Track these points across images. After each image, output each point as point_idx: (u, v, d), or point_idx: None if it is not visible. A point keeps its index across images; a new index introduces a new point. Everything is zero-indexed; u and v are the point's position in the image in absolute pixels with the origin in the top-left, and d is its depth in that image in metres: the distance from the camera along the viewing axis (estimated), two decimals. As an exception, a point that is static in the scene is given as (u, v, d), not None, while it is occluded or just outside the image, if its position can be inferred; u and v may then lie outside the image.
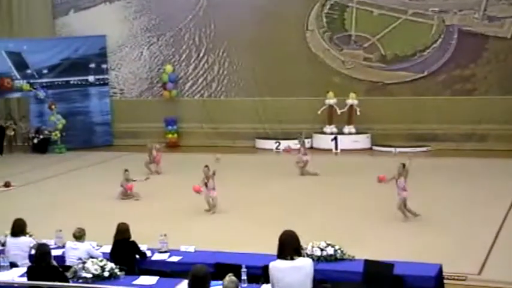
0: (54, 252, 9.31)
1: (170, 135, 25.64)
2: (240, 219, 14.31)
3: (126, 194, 16.60)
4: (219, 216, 14.66)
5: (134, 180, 16.76)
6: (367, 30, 24.05)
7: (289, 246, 6.49)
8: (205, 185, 14.94)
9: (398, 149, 22.72)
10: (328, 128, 23.91)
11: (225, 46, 25.50)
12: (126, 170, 16.89)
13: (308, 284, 6.53)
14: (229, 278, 6.39)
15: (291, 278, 6.43)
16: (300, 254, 6.60)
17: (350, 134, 23.71)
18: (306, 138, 21.23)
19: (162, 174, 19.47)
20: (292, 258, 6.46)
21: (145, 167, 19.52)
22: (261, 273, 8.37)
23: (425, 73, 23.47)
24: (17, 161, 23.39)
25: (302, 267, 6.49)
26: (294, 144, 20.78)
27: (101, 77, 26.45)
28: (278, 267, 6.48)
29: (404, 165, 13.85)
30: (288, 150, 20.34)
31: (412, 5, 23.53)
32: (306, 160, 18.87)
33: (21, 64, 25.32)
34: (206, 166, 15.14)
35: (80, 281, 8.52)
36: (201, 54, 25.89)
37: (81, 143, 25.67)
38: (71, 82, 26.06)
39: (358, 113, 23.47)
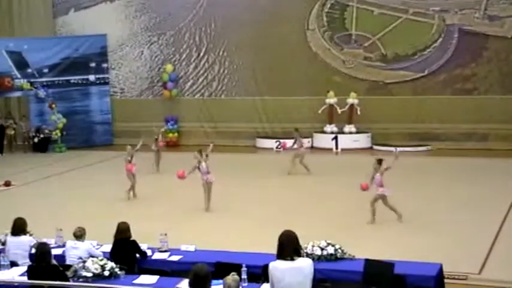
0: (54, 252, 9.31)
1: (170, 135, 25.64)
2: (240, 218, 14.29)
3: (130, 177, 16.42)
4: (219, 215, 14.65)
5: (136, 151, 16.78)
6: (368, 30, 24.06)
7: (289, 247, 6.47)
8: (198, 169, 14.95)
9: (398, 149, 22.69)
10: (329, 128, 23.91)
11: (225, 45, 25.50)
12: (130, 145, 16.90)
13: (308, 284, 6.51)
14: (233, 276, 6.39)
15: (291, 279, 6.41)
16: (299, 255, 6.58)
17: (350, 133, 23.71)
18: (306, 137, 21.20)
19: (163, 173, 19.44)
20: (292, 259, 6.44)
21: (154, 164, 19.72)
22: (261, 273, 8.37)
23: (426, 72, 23.48)
24: (18, 160, 23.39)
25: (302, 267, 6.47)
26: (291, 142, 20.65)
27: (101, 76, 26.45)
28: (278, 267, 6.46)
29: (379, 161, 13.66)
30: (283, 145, 20.39)
31: (413, 4, 23.54)
32: (303, 152, 18.97)
33: (21, 63, 25.31)
34: (199, 151, 15.21)
35: (80, 280, 8.53)
36: (202, 54, 25.89)
37: (81, 142, 25.70)
38: (72, 81, 26.06)
39: (358, 113, 23.47)
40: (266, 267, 6.67)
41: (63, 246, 10.04)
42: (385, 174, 13.48)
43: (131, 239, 9.69)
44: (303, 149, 19.11)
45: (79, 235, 9.72)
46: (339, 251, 9.36)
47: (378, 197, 13.53)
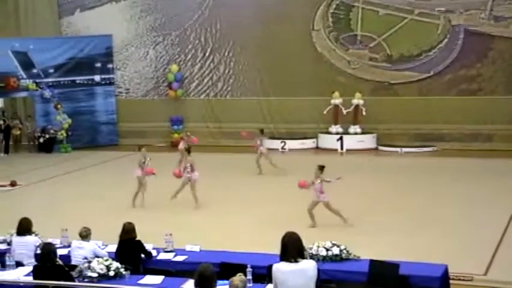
0: (59, 252, 9.35)
1: (176, 135, 25.64)
2: (244, 218, 14.29)
3: (142, 183, 15.69)
4: (222, 215, 14.65)
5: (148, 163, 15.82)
6: (373, 30, 24.03)
7: (292, 248, 6.45)
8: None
9: (404, 149, 22.71)
10: (334, 128, 23.88)
11: (230, 46, 25.50)
12: (140, 148, 16.13)
13: (312, 286, 6.51)
14: (240, 277, 6.38)
15: (295, 281, 6.39)
16: (303, 256, 6.57)
17: (356, 134, 23.67)
18: (312, 138, 20.93)
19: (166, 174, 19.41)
20: (296, 261, 6.42)
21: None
22: (265, 273, 8.36)
23: (431, 73, 23.44)
24: (23, 160, 23.44)
25: (306, 269, 6.46)
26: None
27: (106, 76, 26.47)
28: (282, 269, 6.45)
29: (321, 167, 13.45)
30: (245, 134, 20.28)
31: (418, 4, 23.49)
32: (261, 151, 19.16)
33: (27, 63, 25.36)
34: (186, 148, 15.50)
35: (86, 280, 8.55)
36: (207, 54, 25.90)
37: (86, 142, 25.75)
38: (77, 81, 26.10)
39: (363, 113, 23.44)
40: (271, 267, 6.66)
41: (69, 246, 10.07)
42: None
43: (136, 239, 9.71)
44: (263, 150, 19.22)
45: (84, 235, 9.75)
46: (344, 251, 9.35)
47: (316, 203, 13.36)
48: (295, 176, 18.58)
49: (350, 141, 23.45)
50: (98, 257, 9.13)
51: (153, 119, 25.89)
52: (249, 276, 8.08)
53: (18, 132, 25.53)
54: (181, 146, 19.11)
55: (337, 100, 23.73)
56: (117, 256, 9.41)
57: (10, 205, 16.15)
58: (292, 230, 6.63)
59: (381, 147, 23.37)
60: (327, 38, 24.60)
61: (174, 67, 25.87)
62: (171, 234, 10.09)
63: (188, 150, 15.58)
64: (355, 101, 23.58)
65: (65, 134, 24.98)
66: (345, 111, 23.65)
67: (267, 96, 25.08)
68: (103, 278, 8.57)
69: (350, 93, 23.60)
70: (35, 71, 25.46)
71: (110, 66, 26.48)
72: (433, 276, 8.74)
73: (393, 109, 23.46)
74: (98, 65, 26.27)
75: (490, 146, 22.31)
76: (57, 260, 8.66)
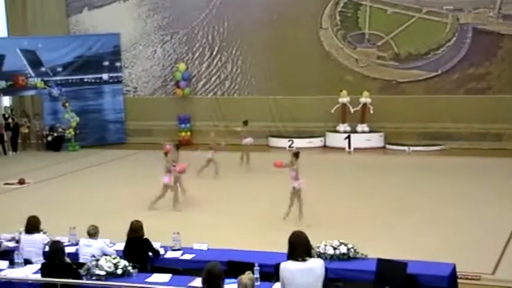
0: (67, 249, 9.37)
1: (183, 133, 25.69)
2: (251, 217, 14.28)
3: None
4: (229, 213, 14.66)
5: (174, 166, 15.25)
6: (381, 29, 23.97)
7: (299, 247, 6.46)
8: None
9: (411, 148, 22.67)
10: (342, 127, 23.86)
11: (238, 44, 25.50)
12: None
13: (319, 286, 6.50)
14: (248, 275, 6.38)
15: (302, 280, 6.39)
16: (310, 255, 6.57)
17: (363, 132, 23.65)
18: (319, 136, 20.83)
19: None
20: (303, 260, 6.43)
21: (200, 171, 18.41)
22: (273, 272, 8.37)
23: (439, 72, 23.37)
24: (31, 159, 23.52)
25: (313, 268, 6.45)
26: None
27: (114, 75, 26.52)
28: (289, 268, 6.45)
29: (296, 154, 13.56)
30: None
31: (426, 3, 23.43)
32: (246, 142, 19.77)
33: (35, 62, 25.43)
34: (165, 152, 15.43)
35: (93, 278, 8.57)
36: (214, 53, 25.91)
37: (94, 140, 25.80)
38: (85, 80, 26.15)
39: (371, 112, 23.40)
40: (278, 266, 6.66)
41: (77, 244, 10.09)
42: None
43: (144, 237, 9.73)
44: (246, 141, 19.74)
45: (92, 233, 9.77)
46: (352, 250, 9.33)
47: (294, 191, 13.44)
48: (303, 175, 18.66)
49: (357, 140, 23.43)
50: (105, 255, 9.15)
51: (160, 118, 25.93)
52: (257, 275, 8.09)
53: (26, 131, 25.61)
54: (209, 155, 18.60)
55: (344, 99, 23.70)
56: (125, 254, 9.44)
57: (18, 203, 16.22)
58: (299, 229, 6.64)
59: (388, 146, 23.33)
60: (335, 36, 24.57)
61: (182, 66, 25.89)
62: (178, 233, 10.10)
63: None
64: (362, 100, 23.55)
65: (73, 132, 25.06)
66: (352, 110, 23.62)
67: (275, 94, 25.07)
68: (111, 276, 8.59)
69: (358, 91, 23.57)
70: (43, 69, 25.53)
71: (117, 64, 26.54)
72: (441, 275, 8.72)
73: (401, 108, 23.41)
74: (106, 63, 26.33)
75: (499, 145, 22.24)
76: (65, 258, 8.68)
